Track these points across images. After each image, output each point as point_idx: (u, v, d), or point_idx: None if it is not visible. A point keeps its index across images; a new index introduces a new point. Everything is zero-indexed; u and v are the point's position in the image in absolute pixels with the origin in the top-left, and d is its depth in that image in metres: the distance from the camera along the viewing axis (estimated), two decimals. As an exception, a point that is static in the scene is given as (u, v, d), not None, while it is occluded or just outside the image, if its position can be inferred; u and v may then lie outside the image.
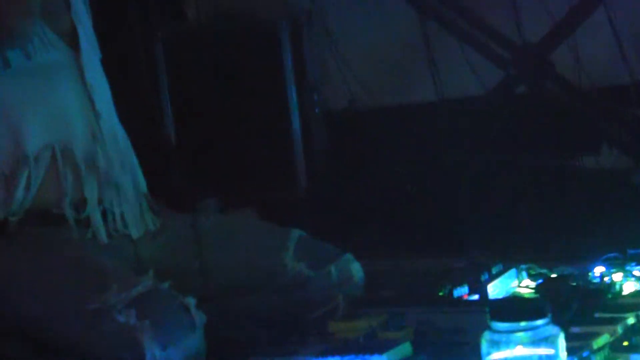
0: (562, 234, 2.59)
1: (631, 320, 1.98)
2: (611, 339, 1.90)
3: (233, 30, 3.59)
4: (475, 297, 2.26)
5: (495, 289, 2.26)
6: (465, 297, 2.27)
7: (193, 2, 3.67)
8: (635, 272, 2.19)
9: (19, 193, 2.19)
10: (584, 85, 3.46)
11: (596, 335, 1.88)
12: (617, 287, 2.18)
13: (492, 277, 2.27)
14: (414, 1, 3.58)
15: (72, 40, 2.31)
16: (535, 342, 1.55)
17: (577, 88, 3.41)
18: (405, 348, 1.98)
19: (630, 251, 2.21)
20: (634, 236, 2.29)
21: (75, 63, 2.30)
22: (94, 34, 2.39)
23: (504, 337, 1.55)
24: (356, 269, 2.37)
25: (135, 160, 2.39)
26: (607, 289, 2.16)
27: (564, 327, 1.59)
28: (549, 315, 1.56)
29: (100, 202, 2.26)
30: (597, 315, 2.00)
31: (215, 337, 2.08)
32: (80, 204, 2.23)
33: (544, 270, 2.27)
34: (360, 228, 2.84)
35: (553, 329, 1.56)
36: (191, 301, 2.06)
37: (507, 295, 2.26)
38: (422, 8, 3.59)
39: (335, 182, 3.60)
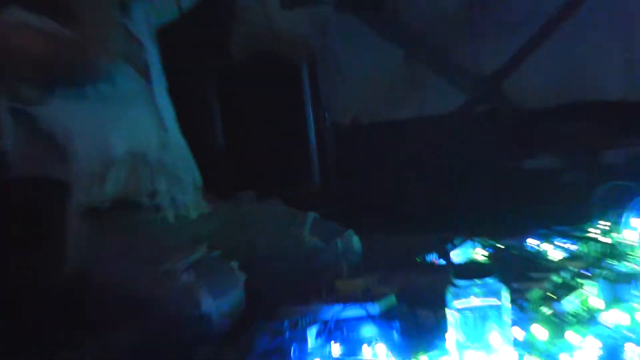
0: (507, 216, 2.61)
1: (555, 278, 2.02)
2: (541, 292, 1.95)
3: (266, 65, 3.57)
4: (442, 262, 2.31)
5: (457, 256, 2.29)
6: (435, 262, 2.31)
7: (237, 45, 3.67)
8: (559, 243, 2.21)
9: (108, 187, 2.21)
10: (527, 105, 3.46)
11: (530, 289, 1.94)
12: (545, 254, 2.21)
13: (455, 247, 2.29)
14: (402, 44, 3.59)
15: (146, 74, 2.34)
16: (486, 294, 1.60)
17: (521, 107, 3.41)
18: (391, 299, 2.03)
19: (556, 228, 2.23)
20: (559, 217, 2.31)
21: (148, 91, 2.33)
22: (162, 68, 2.42)
23: (462, 291, 1.60)
24: (356, 242, 2.40)
25: (193, 162, 2.42)
26: (538, 256, 2.19)
27: (507, 284, 1.62)
28: (496, 274, 1.61)
29: (167, 193, 2.30)
30: (531, 275, 2.04)
31: (252, 293, 2.11)
32: (153, 195, 2.27)
33: (492, 242, 2.30)
34: (360, 213, 2.86)
35: (499, 285, 1.61)
36: (234, 265, 2.12)
37: (466, 260, 2.29)
38: (408, 48, 3.60)
39: (340, 179, 3.59)
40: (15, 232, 2.20)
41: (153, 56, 2.39)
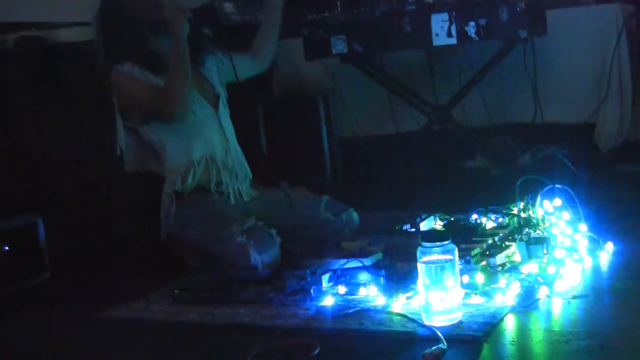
0: (457, 199, 2.55)
1: (489, 241, 1.98)
2: (480, 251, 1.91)
3: (295, 98, 3.58)
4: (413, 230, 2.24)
5: (424, 226, 2.23)
6: (409, 230, 2.24)
7: (276, 85, 3.66)
8: (492, 217, 2.16)
9: (189, 179, 2.18)
10: (468, 125, 3.41)
11: (473, 249, 1.89)
12: (483, 225, 2.16)
13: (422, 220, 2.23)
14: (385, 84, 3.53)
15: (215, 104, 2.29)
16: (443, 252, 1.56)
17: (463, 127, 3.36)
18: (379, 255, 1.99)
19: (489, 207, 2.19)
20: (491, 200, 2.26)
21: (216, 115, 2.27)
22: (226, 100, 2.36)
23: (427, 250, 1.56)
24: (355, 216, 2.32)
25: (246, 162, 2.35)
26: (478, 226, 2.14)
27: (457, 245, 1.59)
28: (450, 239, 1.57)
29: (229, 183, 2.24)
30: (473, 239, 1.99)
31: (285, 250, 2.07)
32: (219, 184, 2.23)
33: (447, 216, 2.24)
34: (357, 196, 2.79)
35: (452, 246, 1.57)
36: (273, 231, 2.08)
37: (430, 228, 2.23)
38: (388, 87, 3.55)
39: (344, 174, 3.58)
40: (125, 208, 2.21)
41: (220, 92, 2.34)
